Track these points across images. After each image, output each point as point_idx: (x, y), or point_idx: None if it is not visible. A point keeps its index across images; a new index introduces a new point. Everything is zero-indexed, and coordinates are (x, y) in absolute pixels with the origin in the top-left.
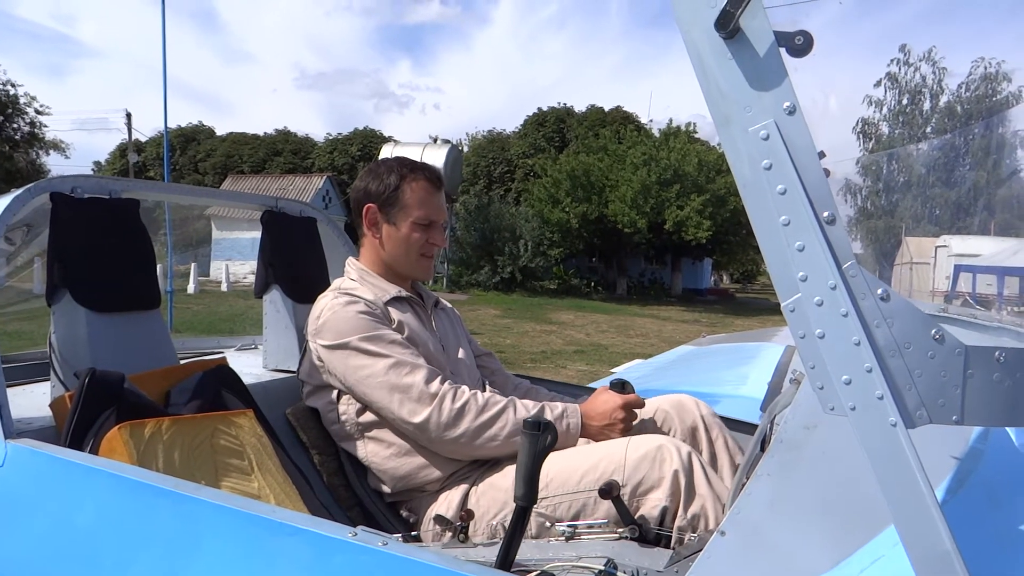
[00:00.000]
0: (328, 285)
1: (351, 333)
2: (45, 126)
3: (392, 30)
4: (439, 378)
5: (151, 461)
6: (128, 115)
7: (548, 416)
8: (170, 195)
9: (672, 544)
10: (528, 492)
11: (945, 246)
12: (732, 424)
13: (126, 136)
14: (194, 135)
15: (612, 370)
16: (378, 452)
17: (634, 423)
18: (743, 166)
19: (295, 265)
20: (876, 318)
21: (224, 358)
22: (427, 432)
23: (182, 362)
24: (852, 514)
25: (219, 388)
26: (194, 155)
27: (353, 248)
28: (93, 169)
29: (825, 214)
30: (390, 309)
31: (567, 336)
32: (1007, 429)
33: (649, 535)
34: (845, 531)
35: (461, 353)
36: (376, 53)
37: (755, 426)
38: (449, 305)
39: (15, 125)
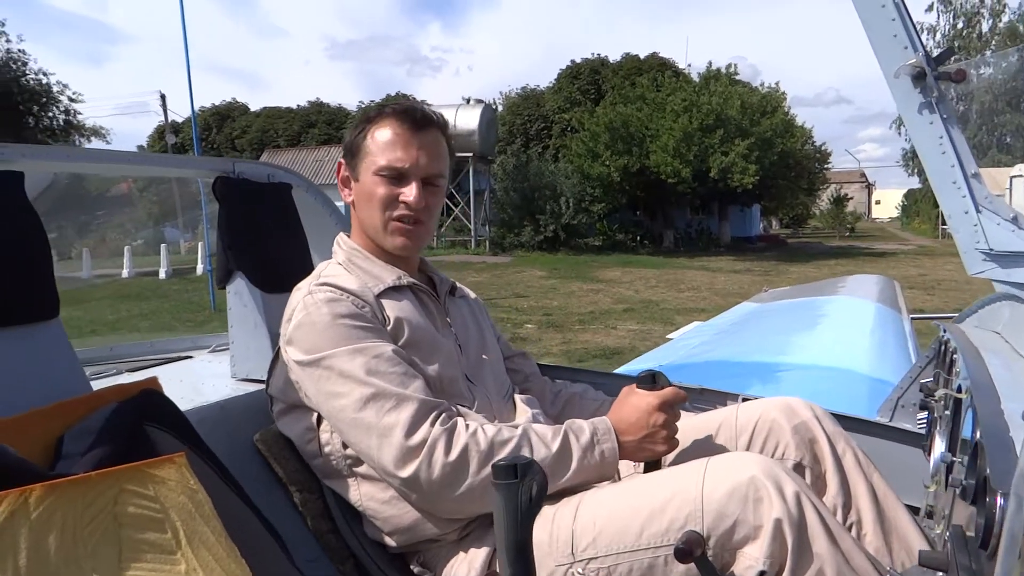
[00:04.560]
0: (309, 270)
1: (325, 346)
2: (80, 113)
3: None
4: (432, 415)
5: (6, 557)
6: (163, 96)
7: (573, 445)
8: (67, 163)
9: None
10: (520, 570)
11: (1021, 175)
12: (845, 423)
13: (163, 118)
14: (228, 112)
15: (668, 336)
16: (375, 496)
17: (709, 435)
18: None
19: (263, 245)
20: None
21: (155, 378)
22: (417, 491)
23: (119, 378)
24: None
25: (139, 423)
26: (230, 132)
27: (345, 220)
28: None
29: None
30: (384, 303)
31: (615, 294)
32: None
33: None
34: None
35: (485, 354)
36: (406, 17)
37: (880, 425)
38: (472, 294)
39: (50, 114)
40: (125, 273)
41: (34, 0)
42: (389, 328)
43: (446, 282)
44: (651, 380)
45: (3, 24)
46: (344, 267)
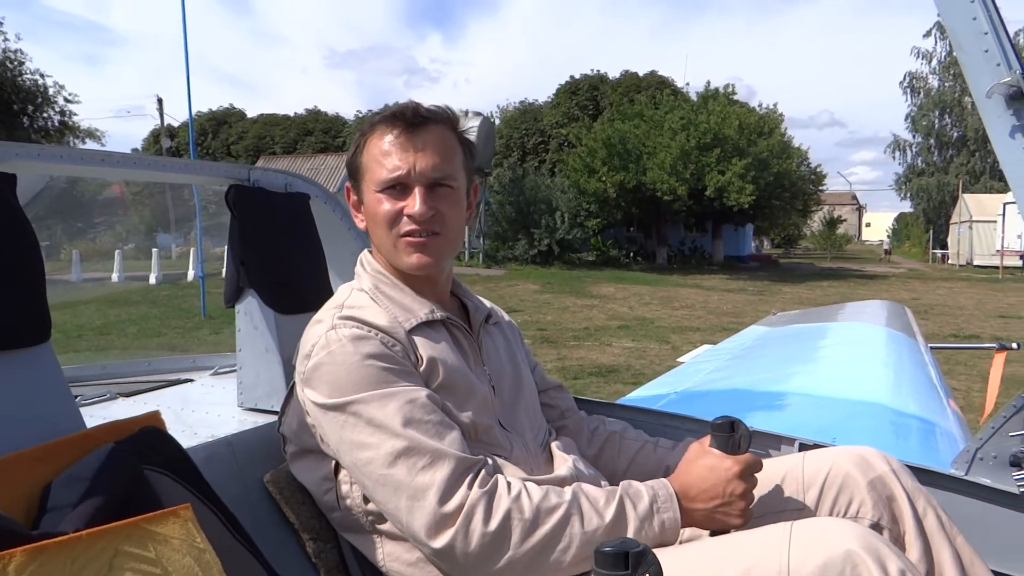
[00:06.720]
0: (327, 290)
1: (352, 389)
2: (75, 114)
3: (422, 4)
4: (470, 476)
5: None
6: (159, 100)
7: (630, 513)
8: (70, 165)
9: None
10: None
11: (1015, 202)
12: (919, 477)
13: (160, 122)
14: (225, 118)
15: (679, 360)
16: (400, 557)
17: (773, 486)
18: None
19: (278, 261)
20: None
21: (156, 413)
22: (451, 563)
23: (112, 405)
24: None
25: (139, 468)
26: (226, 138)
27: (363, 235)
28: None
29: None
30: (416, 340)
31: (609, 310)
32: None
33: None
34: None
35: (520, 394)
36: (406, 28)
37: (958, 480)
38: (506, 316)
39: (45, 115)
40: (115, 277)
41: (34, 0)
42: (421, 369)
43: (482, 310)
44: (729, 428)
45: (0, 22)
46: (370, 295)
